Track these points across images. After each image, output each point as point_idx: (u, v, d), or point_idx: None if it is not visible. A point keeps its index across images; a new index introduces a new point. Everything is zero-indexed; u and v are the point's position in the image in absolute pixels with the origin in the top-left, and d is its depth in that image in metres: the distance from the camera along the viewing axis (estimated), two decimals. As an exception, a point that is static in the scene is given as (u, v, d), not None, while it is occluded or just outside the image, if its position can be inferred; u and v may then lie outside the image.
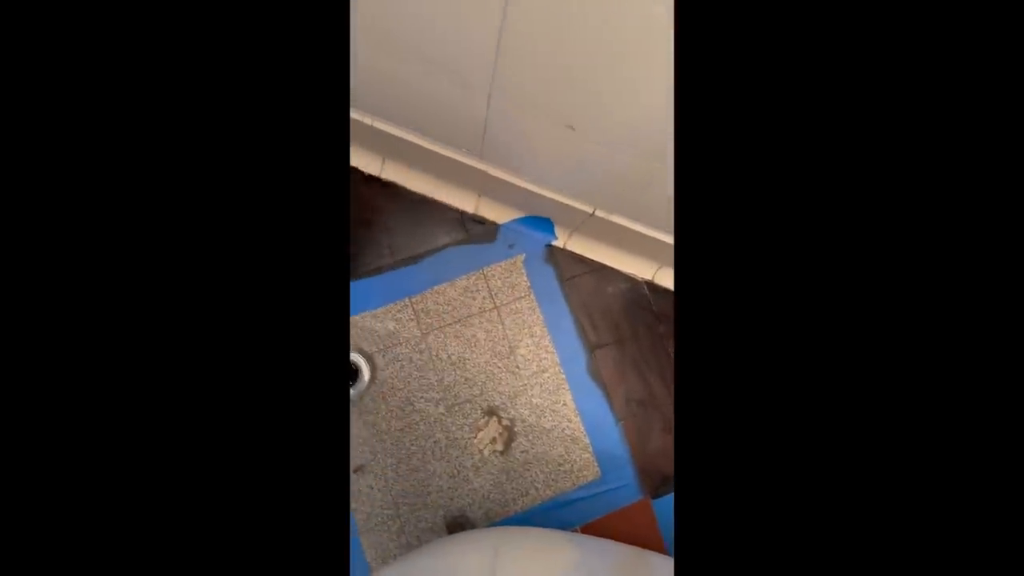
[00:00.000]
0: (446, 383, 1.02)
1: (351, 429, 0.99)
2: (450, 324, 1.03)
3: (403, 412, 1.01)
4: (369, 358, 1.00)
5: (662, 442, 1.04)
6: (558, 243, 1.06)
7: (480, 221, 1.05)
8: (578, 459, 1.03)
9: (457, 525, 1.00)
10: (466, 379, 1.02)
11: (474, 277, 1.04)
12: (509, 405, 1.02)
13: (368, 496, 0.99)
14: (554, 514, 1.01)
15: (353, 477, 0.98)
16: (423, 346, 1.02)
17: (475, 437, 1.01)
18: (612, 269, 1.07)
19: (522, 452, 1.02)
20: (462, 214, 1.05)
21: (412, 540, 0.99)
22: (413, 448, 1.00)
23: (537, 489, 1.02)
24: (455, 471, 1.00)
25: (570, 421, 1.03)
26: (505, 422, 1.01)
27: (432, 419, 1.01)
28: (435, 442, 1.01)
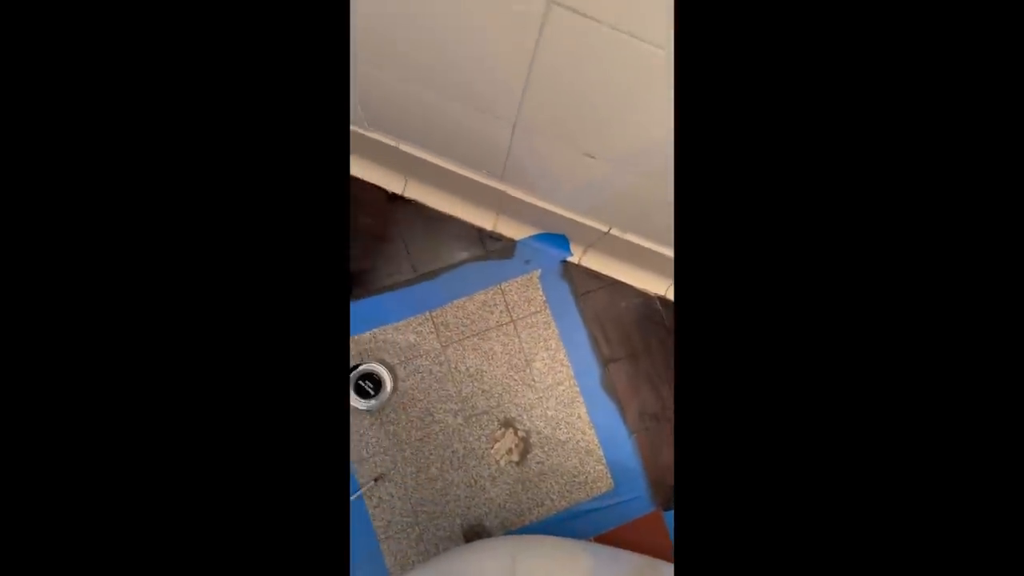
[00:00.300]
0: (464, 394, 1.05)
1: (373, 438, 1.03)
2: (468, 337, 1.06)
3: (423, 422, 1.04)
4: (391, 369, 1.03)
5: (673, 455, 1.06)
6: (573, 259, 1.09)
7: (498, 238, 1.09)
8: (592, 471, 1.05)
9: (474, 533, 1.03)
10: (483, 391, 1.05)
11: (492, 292, 1.08)
12: (525, 417, 1.05)
13: (388, 504, 1.02)
14: (568, 524, 1.04)
15: (374, 485, 1.02)
16: (442, 358, 1.05)
17: (492, 448, 1.04)
18: (625, 285, 1.10)
19: (537, 463, 1.05)
20: (481, 231, 1.08)
21: (430, 548, 1.02)
22: (432, 457, 1.03)
23: (552, 499, 1.04)
24: (472, 480, 1.03)
25: (584, 433, 1.06)
26: (521, 433, 1.04)
27: (451, 429, 1.04)
28: (453, 452, 1.04)
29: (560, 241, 1.08)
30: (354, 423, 1.02)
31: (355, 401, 1.00)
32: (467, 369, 1.05)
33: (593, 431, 1.06)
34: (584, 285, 1.09)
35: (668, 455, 1.07)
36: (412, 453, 1.03)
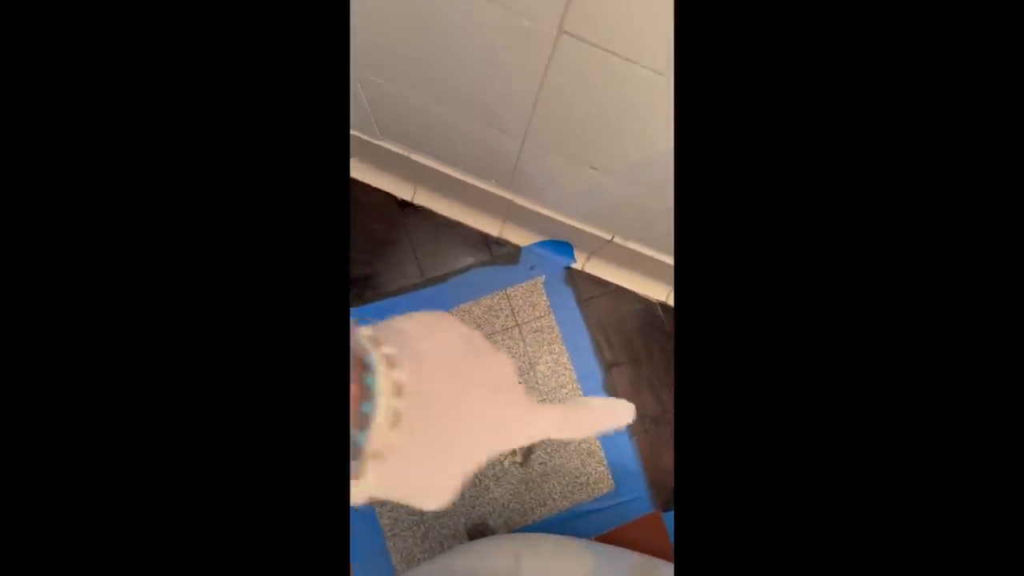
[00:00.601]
0: (469, 396, 1.07)
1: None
2: (474, 341, 1.09)
3: (429, 423, 1.06)
4: (398, 371, 1.06)
5: (673, 458, 1.09)
6: (577, 266, 1.12)
7: (504, 244, 1.11)
8: (593, 472, 1.08)
9: (478, 532, 1.06)
10: (488, 393, 1.08)
11: (497, 297, 1.10)
12: (529, 419, 1.08)
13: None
14: (570, 524, 1.06)
15: (381, 484, 1.04)
16: (449, 361, 1.08)
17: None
18: (628, 291, 1.12)
19: (540, 464, 1.07)
20: (487, 237, 1.11)
21: (435, 545, 1.04)
22: (438, 457, 1.06)
23: (554, 500, 1.07)
24: (476, 480, 1.06)
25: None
26: (525, 435, 1.07)
27: (456, 430, 1.06)
28: (458, 452, 1.06)
29: (564, 248, 1.11)
30: (362, 423, 1.05)
31: (364, 402, 1.03)
32: (473, 372, 1.08)
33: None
34: (588, 291, 1.12)
35: (668, 457, 1.09)
36: (418, 453, 1.05)
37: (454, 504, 1.05)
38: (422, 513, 1.05)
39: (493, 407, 0.25)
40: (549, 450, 1.07)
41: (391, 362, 0.21)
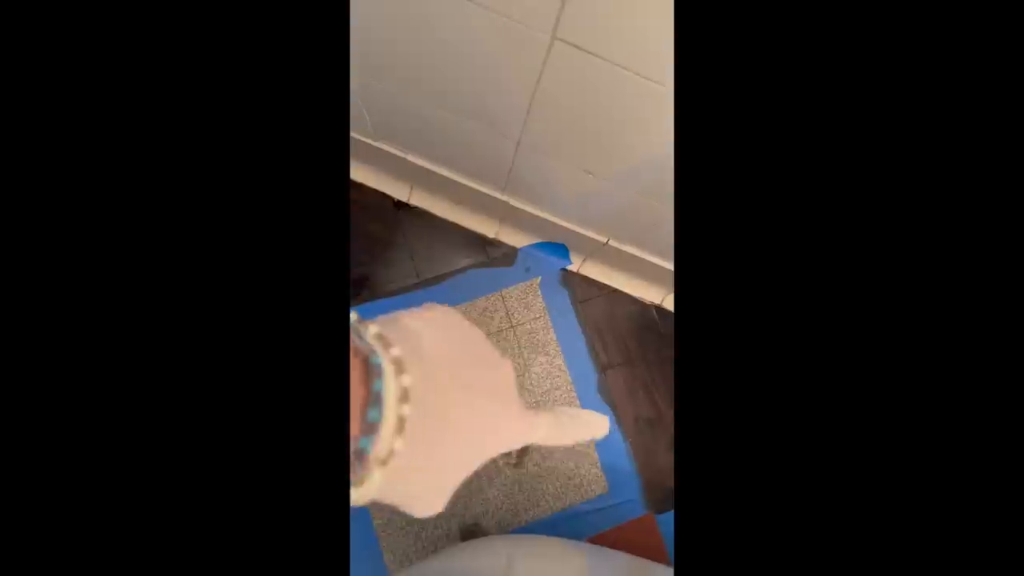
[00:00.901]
0: (464, 397, 1.07)
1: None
2: (469, 342, 1.09)
3: (423, 424, 1.07)
4: (393, 372, 1.06)
5: (667, 460, 1.09)
6: (573, 267, 1.12)
7: (500, 245, 1.12)
8: (587, 474, 1.08)
9: (471, 533, 1.06)
10: (483, 394, 1.08)
11: (493, 298, 1.11)
12: (523, 420, 1.08)
13: (388, 502, 1.05)
14: (563, 525, 1.07)
15: (375, 484, 1.04)
16: (444, 362, 1.08)
17: (490, 449, 1.06)
18: (623, 293, 1.13)
19: (534, 465, 1.07)
20: (483, 238, 1.11)
21: (428, 546, 1.05)
22: (432, 458, 1.06)
23: (548, 501, 1.07)
24: (470, 481, 1.06)
25: (580, 437, 1.09)
26: (519, 436, 1.07)
27: (450, 431, 1.07)
28: (452, 453, 1.06)
29: (560, 250, 1.11)
30: (357, 423, 1.05)
31: (358, 402, 1.03)
32: (467, 373, 1.08)
33: (589, 435, 1.09)
34: (583, 293, 1.12)
35: (661, 459, 1.10)
36: (413, 453, 1.06)
37: (445, 510, 1.05)
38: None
39: (491, 414, 0.25)
40: (543, 451, 1.08)
41: (399, 367, 0.21)
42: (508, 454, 1.05)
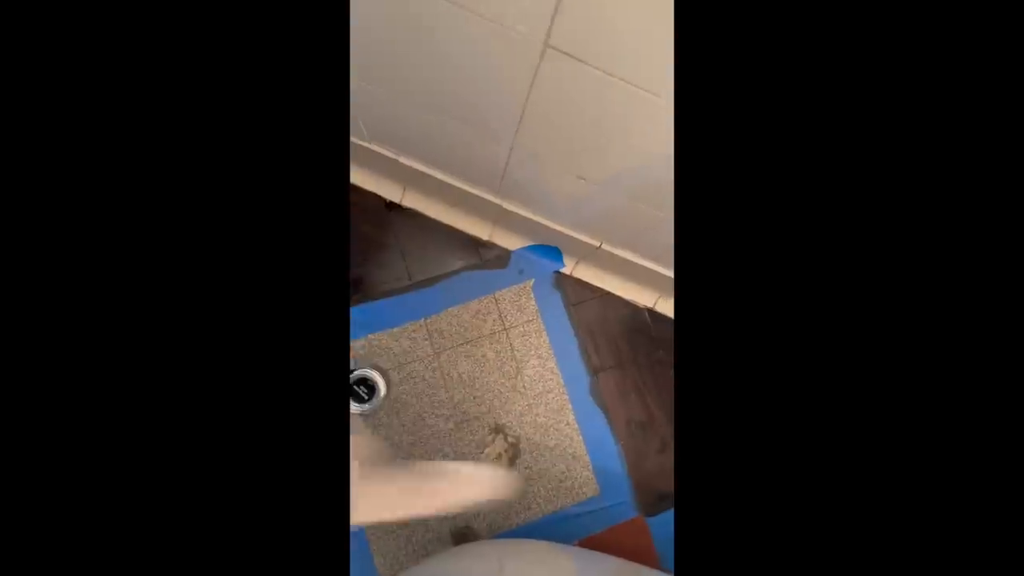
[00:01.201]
0: (456, 400, 1.07)
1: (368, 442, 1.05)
2: (461, 344, 1.09)
3: (415, 427, 1.06)
4: (384, 374, 1.06)
5: (658, 462, 1.10)
6: (566, 271, 1.12)
7: (493, 248, 1.11)
8: (579, 476, 1.08)
9: (462, 536, 1.06)
10: (475, 397, 1.08)
11: (486, 300, 1.10)
12: (515, 423, 1.08)
13: (379, 505, 1.04)
14: (554, 528, 1.07)
15: (366, 487, 1.04)
16: (435, 364, 1.08)
17: (482, 453, 1.06)
18: (616, 297, 1.13)
19: (526, 468, 1.07)
20: (476, 241, 1.11)
21: (419, 549, 1.04)
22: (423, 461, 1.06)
23: (539, 504, 1.07)
24: (462, 484, 1.06)
25: (572, 440, 1.09)
26: (511, 439, 1.07)
27: (442, 434, 1.07)
28: (444, 456, 1.06)
29: (553, 253, 1.11)
30: (348, 426, 1.04)
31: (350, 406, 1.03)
32: (459, 375, 1.08)
33: (581, 438, 1.09)
34: (576, 296, 1.12)
35: (653, 462, 1.10)
36: (403, 457, 1.06)
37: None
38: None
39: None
40: (535, 454, 1.08)
41: None
42: (499, 455, 1.05)
